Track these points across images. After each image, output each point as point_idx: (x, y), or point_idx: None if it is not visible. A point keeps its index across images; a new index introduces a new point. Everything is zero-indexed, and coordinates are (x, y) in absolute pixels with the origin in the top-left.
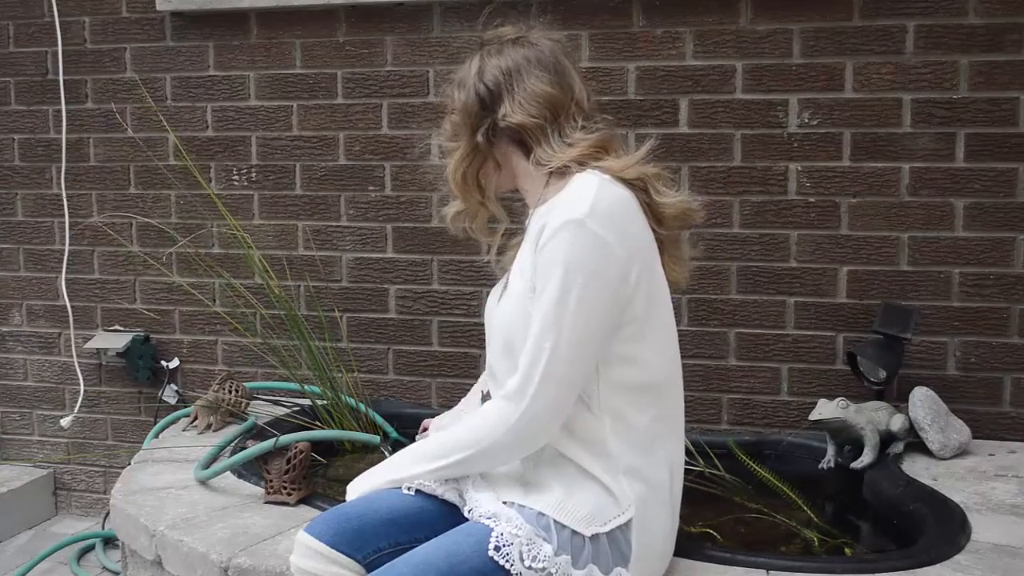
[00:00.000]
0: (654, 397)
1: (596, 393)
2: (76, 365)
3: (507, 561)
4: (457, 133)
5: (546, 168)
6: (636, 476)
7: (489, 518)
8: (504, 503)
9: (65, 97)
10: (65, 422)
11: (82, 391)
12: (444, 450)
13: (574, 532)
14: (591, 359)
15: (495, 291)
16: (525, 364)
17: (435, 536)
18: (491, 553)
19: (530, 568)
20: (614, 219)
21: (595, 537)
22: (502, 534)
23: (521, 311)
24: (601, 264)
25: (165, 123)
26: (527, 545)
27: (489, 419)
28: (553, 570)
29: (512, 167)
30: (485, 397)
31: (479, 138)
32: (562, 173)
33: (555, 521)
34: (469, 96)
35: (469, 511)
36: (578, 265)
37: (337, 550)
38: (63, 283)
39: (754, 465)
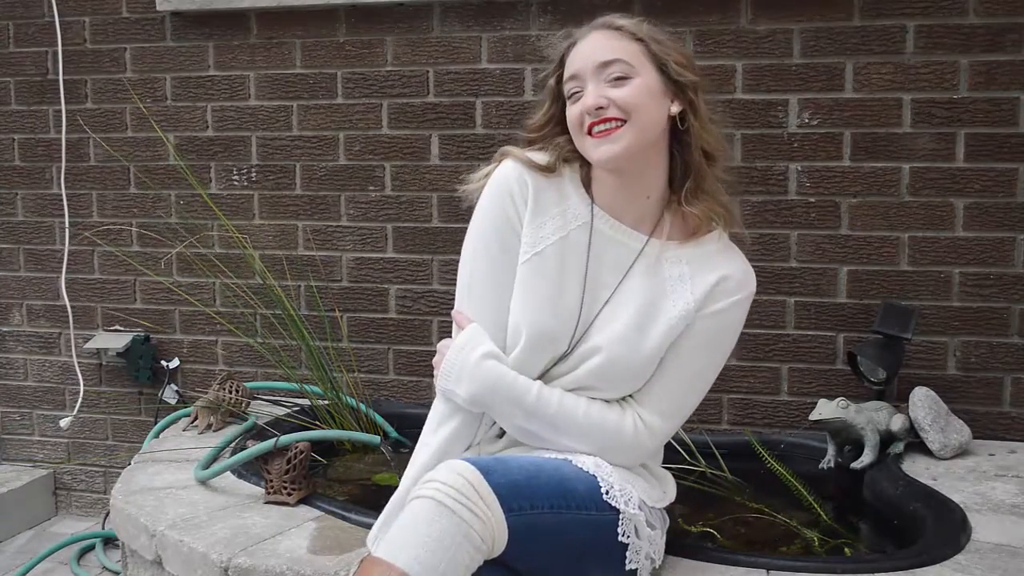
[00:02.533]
0: None
1: None
2: (76, 365)
3: (611, 497)
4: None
5: (708, 203)
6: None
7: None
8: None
9: (65, 97)
10: (64, 423)
11: (82, 391)
12: (573, 429)
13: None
14: None
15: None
16: (675, 411)
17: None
18: (602, 488)
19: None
20: None
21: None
22: (605, 477)
23: (652, 355)
24: None
25: (156, 126)
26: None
27: (626, 435)
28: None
29: (660, 164)
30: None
31: (673, 108)
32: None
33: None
34: (682, 52)
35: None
36: (738, 333)
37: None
38: (63, 283)
39: (775, 463)
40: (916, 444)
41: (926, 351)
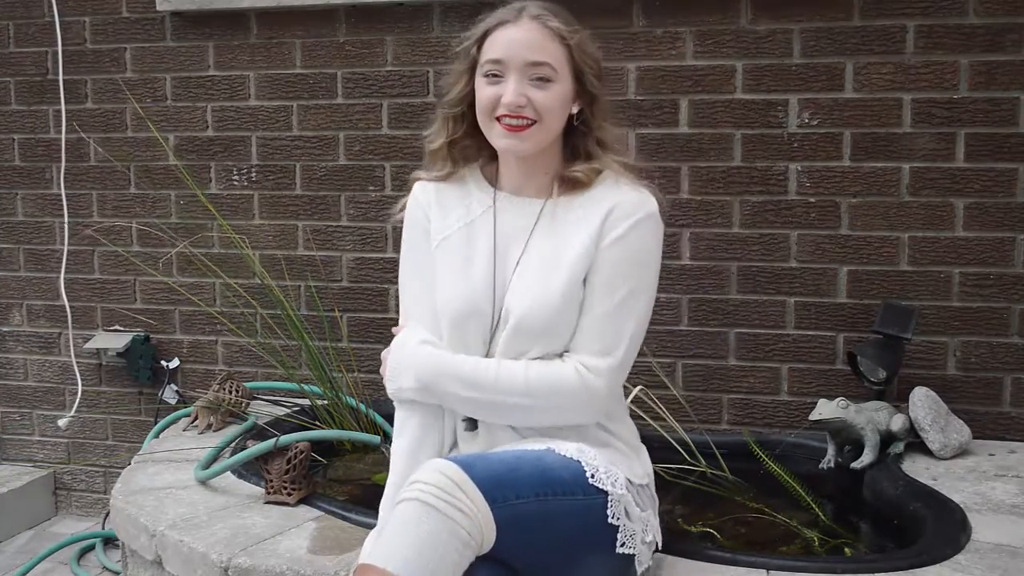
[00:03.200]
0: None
1: None
2: (75, 366)
3: (597, 480)
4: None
5: (590, 164)
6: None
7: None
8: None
9: (65, 97)
10: (62, 423)
11: (80, 391)
12: (518, 390)
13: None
14: None
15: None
16: (610, 347)
17: None
18: (587, 472)
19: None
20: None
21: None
22: (589, 462)
23: (565, 298)
24: (661, 251)
25: (153, 128)
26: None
27: (570, 382)
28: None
29: (557, 147)
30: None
31: (574, 108)
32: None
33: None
34: (598, 61)
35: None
36: (657, 259)
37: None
38: (62, 283)
39: (772, 464)
40: (916, 444)
41: (926, 351)
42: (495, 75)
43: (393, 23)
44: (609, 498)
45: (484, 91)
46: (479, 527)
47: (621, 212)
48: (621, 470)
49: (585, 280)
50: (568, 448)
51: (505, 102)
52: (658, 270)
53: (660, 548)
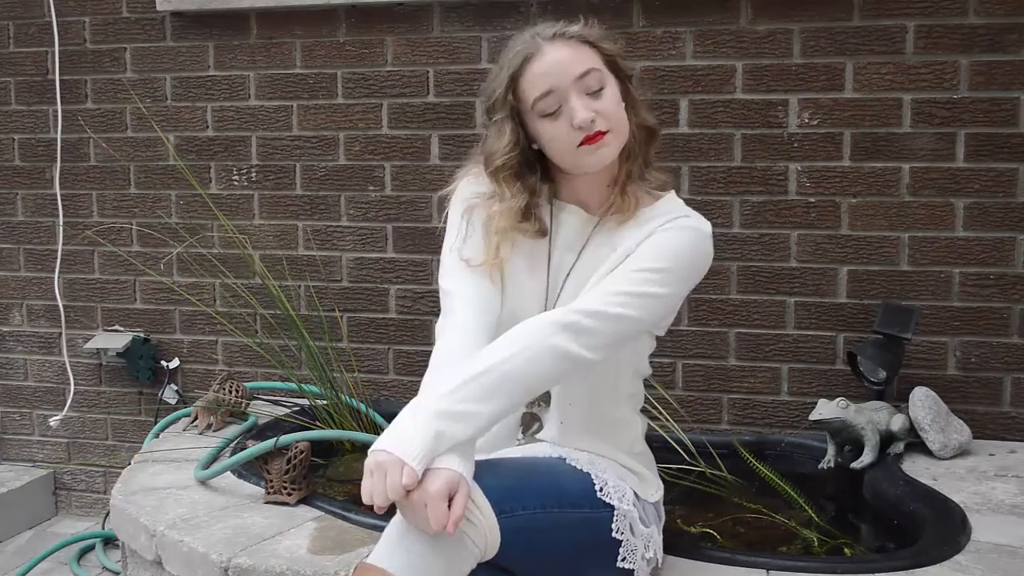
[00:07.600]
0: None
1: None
2: (67, 364)
3: (605, 494)
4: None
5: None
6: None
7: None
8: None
9: (65, 97)
10: (54, 422)
11: (72, 390)
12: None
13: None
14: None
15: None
16: (607, 297)
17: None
18: (596, 485)
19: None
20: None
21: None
22: (599, 475)
23: None
24: (700, 271)
25: (156, 126)
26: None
27: (539, 319)
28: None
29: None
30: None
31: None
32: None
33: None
34: (618, 43)
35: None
36: (690, 264)
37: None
38: (56, 282)
39: (758, 465)
40: (916, 444)
41: (926, 351)
42: (553, 111)
43: (393, 23)
44: (615, 513)
45: (552, 130)
46: (484, 535)
47: (671, 221)
48: (631, 484)
49: None
50: (580, 459)
51: (577, 123)
52: (688, 278)
53: (660, 565)
